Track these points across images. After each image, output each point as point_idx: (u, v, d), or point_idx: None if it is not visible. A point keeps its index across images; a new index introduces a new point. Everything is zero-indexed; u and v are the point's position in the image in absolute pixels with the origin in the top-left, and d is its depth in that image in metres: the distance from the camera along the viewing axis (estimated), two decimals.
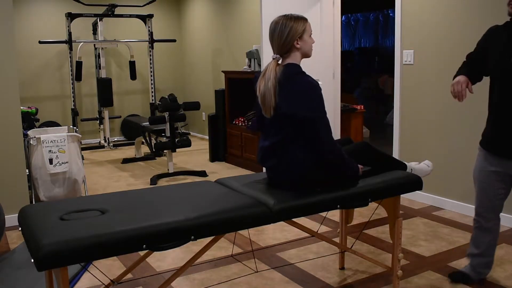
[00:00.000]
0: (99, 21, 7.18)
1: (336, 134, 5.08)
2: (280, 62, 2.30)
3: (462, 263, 3.06)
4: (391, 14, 5.54)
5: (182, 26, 8.72)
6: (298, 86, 2.23)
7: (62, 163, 4.13)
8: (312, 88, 2.24)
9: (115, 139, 7.97)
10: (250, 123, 5.68)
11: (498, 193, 2.66)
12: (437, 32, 4.11)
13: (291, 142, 2.23)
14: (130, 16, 7.30)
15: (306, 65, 4.70)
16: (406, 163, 2.65)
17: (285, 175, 2.26)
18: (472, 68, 2.62)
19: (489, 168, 2.64)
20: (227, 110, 6.17)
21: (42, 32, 7.47)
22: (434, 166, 4.20)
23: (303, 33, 2.29)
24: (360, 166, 2.38)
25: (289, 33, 2.26)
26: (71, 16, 6.89)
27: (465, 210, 4.02)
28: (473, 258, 2.78)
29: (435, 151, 4.21)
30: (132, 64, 7.45)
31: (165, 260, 3.19)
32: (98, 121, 7.68)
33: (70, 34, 6.93)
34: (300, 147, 2.22)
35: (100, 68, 7.28)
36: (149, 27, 7.41)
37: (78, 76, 7.02)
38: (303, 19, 2.33)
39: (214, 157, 6.36)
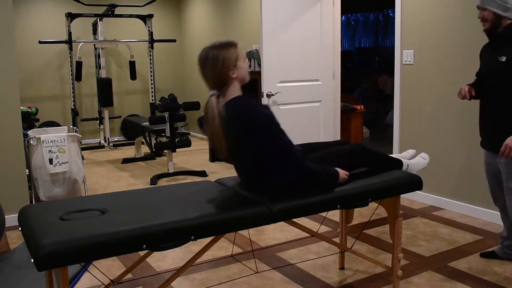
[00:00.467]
0: (99, 21, 7.18)
1: (336, 134, 5.08)
2: (220, 98, 2.12)
3: (462, 263, 3.07)
4: (391, 14, 5.54)
5: (182, 26, 8.72)
6: (251, 124, 2.02)
7: (62, 163, 4.13)
8: (267, 120, 2.03)
9: (115, 139, 7.97)
10: None
11: (496, 179, 2.97)
12: (437, 32, 4.11)
13: (258, 168, 2.16)
14: (130, 16, 7.30)
15: (307, 66, 4.72)
16: (402, 159, 2.63)
17: (266, 191, 2.20)
18: (477, 82, 3.00)
19: (484, 159, 3.03)
20: None
21: (42, 32, 7.47)
22: (434, 165, 4.21)
23: (236, 60, 2.08)
24: (345, 172, 2.31)
25: (222, 64, 2.05)
26: (71, 16, 6.89)
27: (465, 210, 4.02)
28: (502, 239, 3.09)
29: (435, 151, 4.21)
30: (132, 64, 7.45)
31: (165, 260, 3.19)
32: (98, 121, 7.68)
33: (70, 34, 6.93)
34: (269, 168, 2.14)
35: (100, 68, 7.28)
36: (149, 27, 7.41)
37: (78, 76, 7.02)
38: (233, 45, 2.10)
39: (214, 157, 6.36)
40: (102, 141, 7.56)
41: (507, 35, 2.72)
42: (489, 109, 2.85)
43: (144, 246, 1.77)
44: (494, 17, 2.69)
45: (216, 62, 2.05)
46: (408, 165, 2.62)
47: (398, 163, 2.60)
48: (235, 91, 2.13)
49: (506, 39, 2.72)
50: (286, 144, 2.07)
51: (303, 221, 3.85)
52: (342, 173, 2.29)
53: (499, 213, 3.77)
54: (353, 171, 2.43)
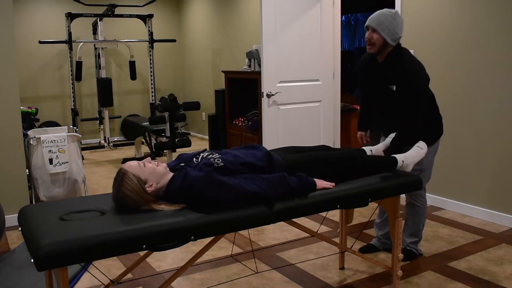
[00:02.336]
0: (99, 21, 7.18)
1: (336, 134, 5.08)
2: None
3: (462, 263, 3.07)
4: None
5: (182, 26, 8.72)
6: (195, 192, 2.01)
7: (62, 163, 4.13)
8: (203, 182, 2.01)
9: (115, 139, 7.97)
10: (250, 123, 5.68)
11: None
12: (437, 32, 4.11)
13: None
14: (130, 16, 7.30)
15: (307, 66, 4.73)
16: (396, 156, 2.61)
17: None
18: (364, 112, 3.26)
19: None
20: (227, 110, 6.17)
21: (42, 32, 7.47)
22: (434, 165, 4.21)
23: None
24: (327, 183, 2.27)
25: None
26: (71, 16, 6.89)
27: (465, 210, 4.02)
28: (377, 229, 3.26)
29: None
30: (132, 64, 7.45)
31: (165, 260, 3.19)
32: (98, 121, 7.68)
33: (70, 34, 6.93)
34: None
35: (100, 68, 7.28)
36: (149, 27, 7.41)
37: (78, 76, 7.02)
38: None
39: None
40: (102, 141, 7.56)
41: (392, 62, 2.77)
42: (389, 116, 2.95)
43: (144, 246, 1.77)
44: (382, 43, 2.73)
45: None
46: (403, 160, 2.60)
47: (392, 162, 2.58)
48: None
49: (392, 66, 2.77)
50: (243, 190, 2.02)
51: (303, 221, 3.85)
52: (323, 184, 2.24)
53: (499, 213, 3.78)
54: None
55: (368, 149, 2.76)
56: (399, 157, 2.60)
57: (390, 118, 2.94)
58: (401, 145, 2.76)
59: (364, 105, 3.20)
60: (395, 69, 2.75)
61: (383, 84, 2.82)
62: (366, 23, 2.78)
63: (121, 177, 1.99)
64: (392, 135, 2.85)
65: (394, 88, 2.76)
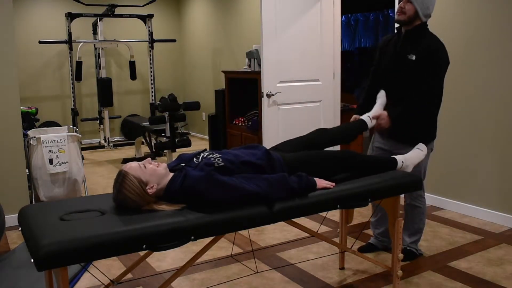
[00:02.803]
0: (99, 21, 7.18)
1: None
2: None
3: (462, 263, 3.07)
4: (391, 14, 5.53)
5: (182, 26, 8.72)
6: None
7: (62, 163, 4.13)
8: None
9: (115, 139, 7.97)
10: (250, 123, 5.68)
11: None
12: (437, 31, 4.10)
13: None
14: (130, 16, 7.30)
15: (307, 66, 4.72)
16: (396, 157, 2.61)
17: None
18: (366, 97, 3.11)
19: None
20: (227, 110, 6.17)
21: (42, 32, 7.47)
22: (434, 165, 4.21)
23: None
24: (328, 182, 2.26)
25: None
26: (71, 16, 6.89)
27: (465, 210, 4.02)
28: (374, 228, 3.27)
29: (435, 151, 4.20)
30: (132, 64, 7.45)
31: (165, 260, 3.19)
32: (98, 121, 7.68)
33: (70, 34, 6.93)
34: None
35: (100, 68, 7.28)
36: (149, 27, 7.41)
37: (78, 76, 7.01)
38: None
39: None
40: (102, 141, 7.56)
41: (417, 35, 2.77)
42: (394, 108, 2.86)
43: (144, 246, 1.77)
44: (413, 14, 2.74)
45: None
46: (403, 161, 2.60)
47: (391, 163, 2.59)
48: None
49: (415, 39, 2.77)
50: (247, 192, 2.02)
51: (303, 221, 3.85)
52: (324, 183, 2.23)
53: (499, 213, 3.78)
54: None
55: (366, 116, 2.78)
56: (399, 158, 2.60)
57: (402, 90, 2.84)
58: (411, 117, 2.74)
59: (371, 88, 3.07)
60: (420, 41, 2.75)
61: (403, 53, 2.79)
62: None
63: (121, 179, 1.99)
64: (383, 93, 2.85)
65: (414, 57, 2.73)
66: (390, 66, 2.90)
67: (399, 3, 2.81)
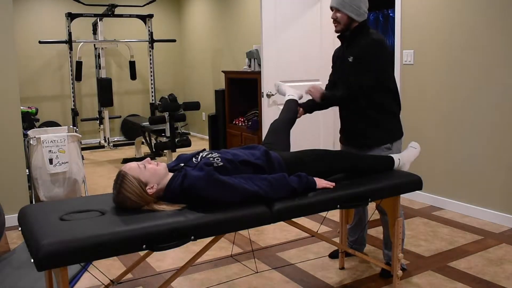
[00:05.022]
0: (99, 21, 7.18)
1: (336, 134, 5.06)
2: None
3: (462, 263, 3.06)
4: (391, 14, 5.54)
5: (182, 26, 8.72)
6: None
7: (62, 163, 4.13)
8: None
9: (115, 139, 7.97)
10: (250, 123, 5.68)
11: None
12: (437, 32, 4.11)
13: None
14: (130, 16, 7.30)
15: (307, 66, 4.72)
16: (393, 155, 2.62)
17: None
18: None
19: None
20: (227, 110, 6.17)
21: (42, 32, 7.47)
22: (434, 165, 4.21)
23: None
24: (328, 182, 2.27)
25: None
26: (71, 16, 6.89)
27: (465, 210, 4.02)
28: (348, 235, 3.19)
29: (435, 151, 4.21)
30: (132, 64, 7.45)
31: (165, 260, 3.19)
32: (98, 121, 7.68)
33: (70, 34, 6.93)
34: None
35: (100, 68, 7.28)
36: (149, 27, 7.41)
37: (78, 76, 7.02)
38: None
39: None
40: (102, 141, 7.56)
41: (354, 36, 2.78)
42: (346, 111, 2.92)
43: (144, 246, 1.77)
44: (347, 21, 2.75)
45: None
46: (399, 159, 2.61)
47: (389, 161, 2.59)
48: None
49: (354, 40, 2.79)
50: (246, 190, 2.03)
51: (303, 221, 3.85)
52: (324, 183, 2.24)
53: (499, 213, 3.78)
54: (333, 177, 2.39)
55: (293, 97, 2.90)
56: (395, 156, 2.62)
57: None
58: (333, 98, 2.81)
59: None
60: (358, 42, 2.76)
61: (345, 57, 2.82)
62: (330, 5, 2.81)
63: (121, 180, 1.99)
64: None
65: (351, 58, 2.75)
66: (338, 72, 2.95)
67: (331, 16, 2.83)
